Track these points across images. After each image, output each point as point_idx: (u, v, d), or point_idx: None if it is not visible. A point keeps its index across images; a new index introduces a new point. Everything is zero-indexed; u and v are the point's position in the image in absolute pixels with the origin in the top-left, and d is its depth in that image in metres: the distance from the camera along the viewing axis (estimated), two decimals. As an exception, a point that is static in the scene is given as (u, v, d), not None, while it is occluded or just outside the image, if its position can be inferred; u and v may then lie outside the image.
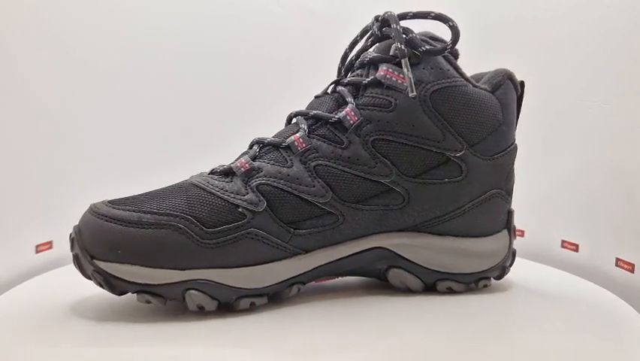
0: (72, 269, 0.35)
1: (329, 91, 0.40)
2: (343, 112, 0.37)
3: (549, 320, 0.35)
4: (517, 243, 0.56)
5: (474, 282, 0.39)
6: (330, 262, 0.37)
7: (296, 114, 0.39)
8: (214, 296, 0.34)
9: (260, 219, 0.35)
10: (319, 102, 0.39)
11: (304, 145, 0.36)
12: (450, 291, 0.39)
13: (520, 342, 0.32)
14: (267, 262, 0.35)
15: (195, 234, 0.34)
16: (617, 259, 0.47)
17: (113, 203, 0.35)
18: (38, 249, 0.48)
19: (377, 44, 0.39)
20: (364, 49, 0.40)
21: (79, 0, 0.51)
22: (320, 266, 0.37)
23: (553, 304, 0.38)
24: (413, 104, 0.36)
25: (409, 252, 0.38)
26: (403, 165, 0.37)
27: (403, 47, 0.36)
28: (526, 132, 0.55)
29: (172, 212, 0.34)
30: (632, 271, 0.45)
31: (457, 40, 0.37)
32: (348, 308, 0.36)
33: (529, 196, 0.55)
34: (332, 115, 0.37)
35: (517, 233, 0.57)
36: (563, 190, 0.53)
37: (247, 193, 0.35)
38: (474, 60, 0.57)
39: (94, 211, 0.34)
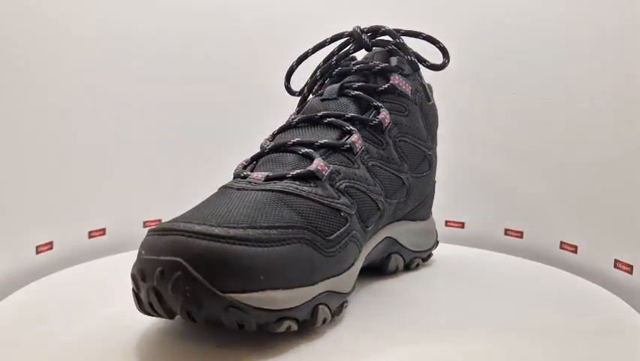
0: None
1: (335, 94, 0.39)
2: (381, 116, 0.38)
3: (549, 320, 0.35)
4: (517, 244, 0.56)
5: (427, 257, 0.46)
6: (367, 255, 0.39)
7: (335, 116, 0.38)
8: (332, 307, 0.32)
9: (354, 222, 0.35)
10: (338, 105, 0.39)
11: (362, 146, 0.37)
12: (416, 267, 0.45)
13: (520, 341, 0.32)
14: (354, 263, 0.35)
15: (320, 244, 0.32)
16: (616, 261, 0.47)
17: (201, 221, 0.28)
18: (39, 249, 0.48)
19: (371, 53, 0.42)
20: (344, 55, 0.41)
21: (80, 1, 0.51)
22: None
23: (553, 304, 0.38)
24: (416, 109, 0.42)
25: (403, 237, 0.43)
26: (410, 162, 0.41)
27: (415, 59, 0.41)
28: (523, 134, 0.55)
29: (291, 224, 0.31)
30: (630, 272, 0.45)
31: (449, 60, 0.42)
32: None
33: (527, 198, 0.56)
34: (373, 118, 0.38)
35: (515, 235, 0.57)
36: (561, 192, 0.53)
37: (340, 197, 0.35)
38: (474, 60, 0.57)
39: (201, 233, 0.27)
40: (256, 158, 0.37)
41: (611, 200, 0.48)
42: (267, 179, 0.33)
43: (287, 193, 0.32)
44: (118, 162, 0.55)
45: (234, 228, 0.28)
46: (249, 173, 0.35)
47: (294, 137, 0.37)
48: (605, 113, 0.49)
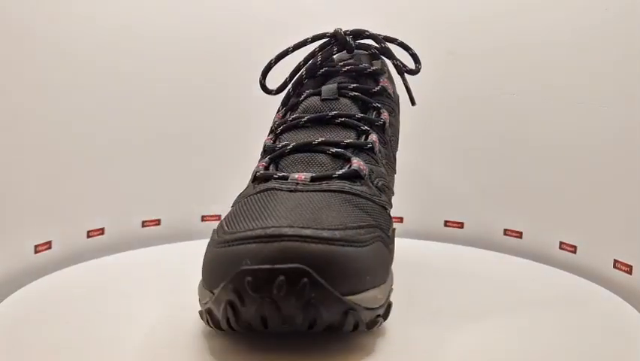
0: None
1: (335, 95, 0.39)
2: (383, 116, 0.39)
3: (548, 320, 0.35)
4: (516, 244, 0.56)
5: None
6: None
7: (347, 116, 0.38)
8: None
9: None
10: (341, 105, 0.38)
11: (379, 146, 0.37)
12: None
13: (520, 341, 0.32)
14: None
15: (386, 242, 0.32)
16: (615, 261, 0.47)
17: (304, 225, 0.27)
18: (37, 249, 0.48)
19: (357, 56, 0.41)
20: (329, 55, 0.41)
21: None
22: None
23: (553, 304, 0.38)
24: (399, 111, 0.43)
25: None
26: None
27: (399, 64, 0.42)
28: (523, 134, 0.55)
29: (368, 223, 0.30)
30: (629, 272, 0.45)
31: (421, 65, 0.43)
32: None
33: (526, 198, 0.56)
34: (378, 118, 0.39)
35: (515, 235, 0.57)
36: (560, 192, 0.53)
37: (381, 195, 0.35)
38: (471, 60, 0.58)
39: (311, 237, 0.26)
40: (276, 158, 0.35)
41: (611, 200, 0.48)
42: (314, 179, 0.32)
43: (346, 193, 0.32)
44: (117, 161, 0.55)
45: (334, 230, 0.27)
46: (288, 174, 0.33)
47: (311, 137, 0.36)
48: (604, 112, 0.49)
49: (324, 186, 0.32)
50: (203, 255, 0.30)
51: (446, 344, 0.31)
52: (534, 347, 0.31)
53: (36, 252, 0.48)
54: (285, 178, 0.33)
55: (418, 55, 0.42)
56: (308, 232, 0.26)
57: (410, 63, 0.42)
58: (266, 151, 0.37)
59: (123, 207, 0.56)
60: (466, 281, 0.43)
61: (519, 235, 0.56)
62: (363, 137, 0.37)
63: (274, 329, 0.27)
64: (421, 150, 0.60)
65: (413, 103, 0.43)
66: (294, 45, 0.42)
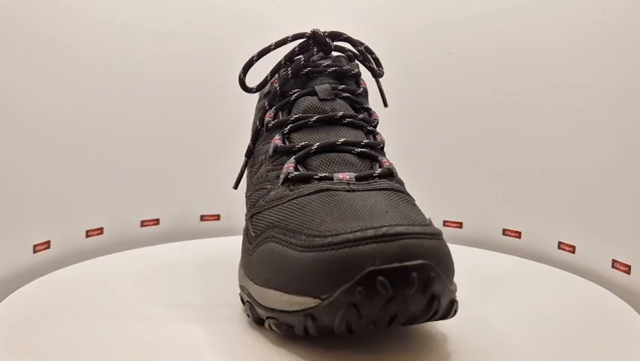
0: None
1: (332, 95, 0.39)
2: (375, 116, 0.40)
3: (546, 319, 0.35)
4: (515, 244, 0.56)
5: None
6: None
7: (352, 117, 0.38)
8: None
9: None
10: (339, 105, 0.39)
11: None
12: None
13: (518, 341, 0.32)
14: None
15: None
16: (614, 261, 0.47)
17: (408, 222, 0.28)
18: (36, 249, 0.48)
19: (336, 57, 0.42)
20: (310, 55, 0.41)
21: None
22: None
23: (551, 304, 0.38)
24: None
25: None
26: None
27: (376, 67, 0.42)
28: (522, 134, 0.55)
29: (427, 220, 0.30)
30: (628, 272, 0.45)
31: (383, 69, 0.43)
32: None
33: (525, 198, 0.56)
34: (374, 119, 0.39)
35: (514, 235, 0.57)
36: (559, 192, 0.53)
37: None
38: (470, 59, 0.58)
39: (423, 233, 0.27)
40: (301, 158, 0.35)
41: (609, 200, 0.48)
42: (358, 179, 0.33)
43: (396, 191, 0.32)
44: (116, 161, 0.55)
45: (424, 225, 0.28)
46: (331, 174, 0.33)
47: (327, 137, 0.36)
48: (603, 113, 0.49)
49: (374, 185, 0.32)
50: (276, 263, 0.29)
51: (444, 343, 0.31)
52: (532, 346, 0.31)
53: (35, 251, 0.48)
54: (329, 179, 0.33)
55: (379, 59, 0.43)
56: (417, 228, 0.27)
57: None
58: (279, 152, 0.36)
59: (122, 208, 0.56)
60: (464, 281, 0.43)
61: (518, 234, 0.56)
62: (371, 137, 0.38)
63: (383, 329, 0.27)
64: (421, 150, 0.60)
65: (386, 105, 0.44)
66: (276, 42, 0.41)
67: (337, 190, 0.31)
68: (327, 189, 0.32)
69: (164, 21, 0.57)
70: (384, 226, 0.26)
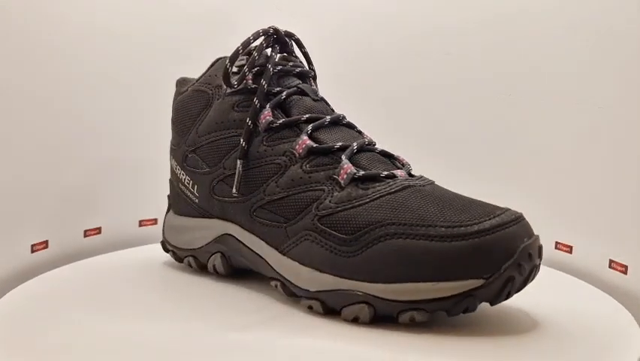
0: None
1: (318, 96, 0.41)
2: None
3: (544, 320, 0.35)
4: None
5: None
6: None
7: (344, 117, 0.40)
8: None
9: None
10: (324, 106, 0.41)
11: None
12: None
13: (516, 341, 0.32)
14: None
15: None
16: (611, 261, 0.47)
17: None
18: (34, 248, 0.48)
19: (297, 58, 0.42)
20: (283, 53, 0.41)
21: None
22: None
23: (548, 304, 0.38)
24: None
25: None
26: None
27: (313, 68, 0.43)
28: (519, 134, 0.55)
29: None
30: (625, 272, 0.45)
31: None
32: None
33: (522, 198, 0.56)
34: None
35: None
36: (556, 192, 0.53)
37: None
38: (468, 60, 0.58)
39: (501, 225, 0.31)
40: (349, 158, 0.36)
41: (607, 200, 0.48)
42: (410, 175, 0.36)
43: (440, 187, 0.36)
44: (114, 161, 0.55)
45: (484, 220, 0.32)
46: (390, 172, 0.35)
47: (345, 136, 0.38)
48: (601, 113, 0.49)
49: (423, 180, 0.36)
50: (414, 256, 0.31)
51: (443, 343, 0.31)
52: (529, 346, 0.31)
53: (33, 251, 0.48)
54: (392, 177, 0.35)
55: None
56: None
57: None
58: (314, 152, 0.36)
59: (120, 207, 0.56)
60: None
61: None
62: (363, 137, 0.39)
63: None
64: (420, 150, 0.60)
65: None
66: (242, 43, 0.39)
67: (417, 186, 0.35)
68: (409, 186, 0.34)
69: (165, 21, 0.57)
70: (508, 210, 0.32)
